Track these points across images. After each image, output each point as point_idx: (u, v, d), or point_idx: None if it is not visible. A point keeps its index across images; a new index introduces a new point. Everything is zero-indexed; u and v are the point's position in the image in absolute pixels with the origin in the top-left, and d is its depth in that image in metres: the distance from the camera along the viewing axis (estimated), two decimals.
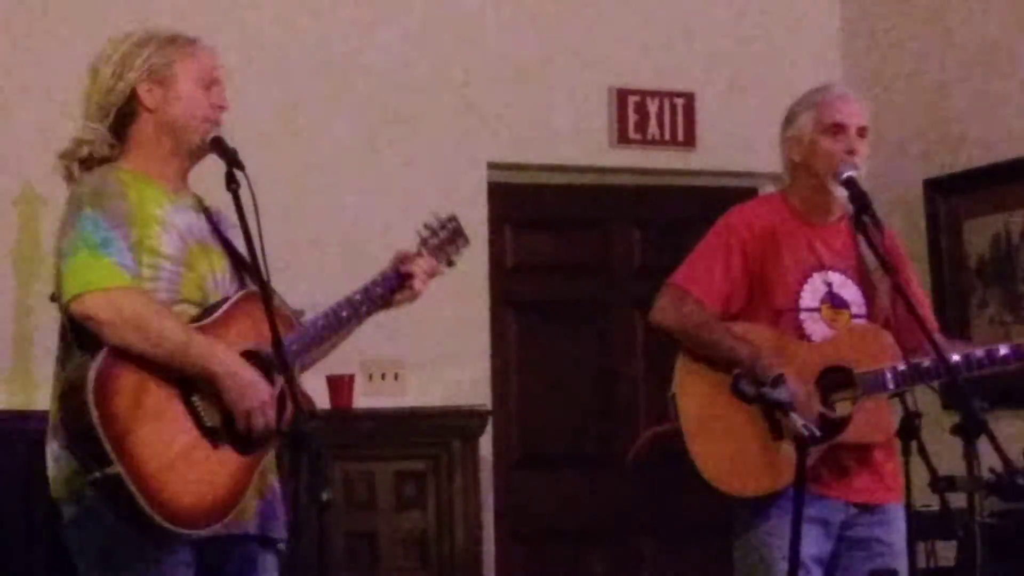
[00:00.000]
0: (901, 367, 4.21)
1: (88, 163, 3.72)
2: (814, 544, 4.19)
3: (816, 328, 4.31)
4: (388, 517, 6.05)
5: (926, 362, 4.18)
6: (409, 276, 3.89)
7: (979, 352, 4.25)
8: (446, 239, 4.04)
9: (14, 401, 5.76)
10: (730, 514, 4.34)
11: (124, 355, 3.48)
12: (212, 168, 3.73)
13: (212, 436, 3.53)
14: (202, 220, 3.74)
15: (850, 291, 4.36)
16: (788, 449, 4.03)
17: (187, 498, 3.47)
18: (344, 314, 3.80)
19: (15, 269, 5.89)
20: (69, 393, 3.47)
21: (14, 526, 5.39)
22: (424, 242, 3.99)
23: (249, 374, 3.54)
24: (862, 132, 4.36)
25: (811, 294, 4.33)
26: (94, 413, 3.39)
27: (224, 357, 3.54)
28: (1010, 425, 5.53)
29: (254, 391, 3.53)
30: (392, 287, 3.90)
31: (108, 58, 3.74)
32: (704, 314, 4.30)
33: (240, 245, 3.65)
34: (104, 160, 3.71)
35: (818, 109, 4.37)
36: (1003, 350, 4.25)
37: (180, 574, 3.55)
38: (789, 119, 4.44)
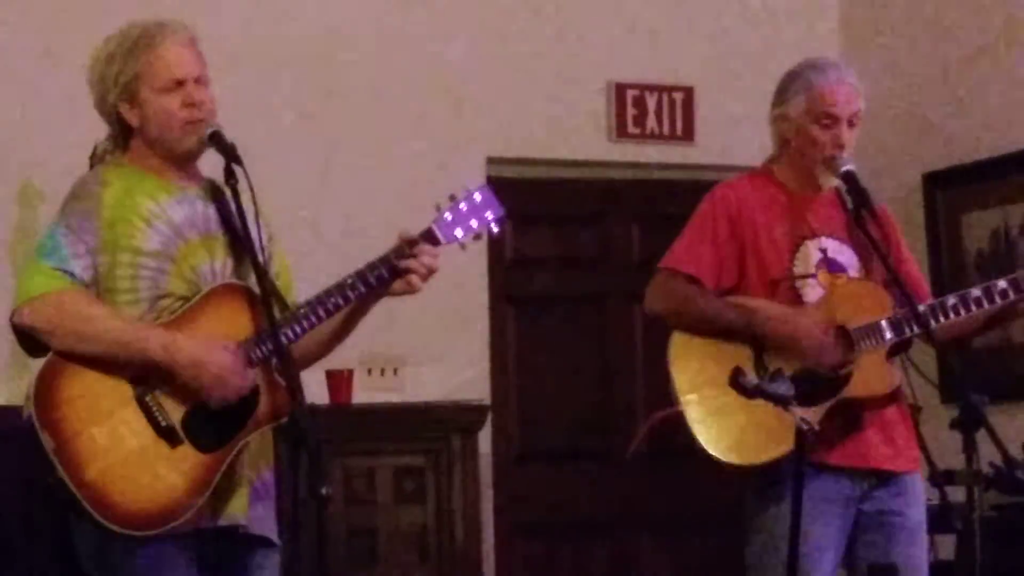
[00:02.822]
0: (896, 315, 4.18)
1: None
2: (830, 523, 4.18)
3: (814, 294, 4.28)
4: (387, 512, 6.05)
5: (921, 307, 4.14)
6: (407, 271, 3.69)
7: (975, 291, 4.21)
8: (468, 210, 3.74)
9: (13, 398, 5.76)
10: (737, 499, 4.31)
11: (71, 361, 3.50)
12: (212, 161, 3.73)
13: (169, 436, 3.52)
14: (210, 209, 3.71)
15: (846, 255, 4.33)
16: (789, 415, 4.02)
17: (137, 499, 3.47)
18: (332, 300, 3.64)
19: (14, 266, 5.88)
20: (25, 404, 3.53)
21: (14, 523, 5.38)
22: (438, 217, 3.74)
23: (193, 348, 3.50)
24: (853, 121, 4.31)
25: (804, 261, 4.30)
26: (36, 422, 3.47)
27: (165, 341, 3.51)
28: (1009, 419, 5.54)
29: (207, 361, 3.49)
30: (391, 274, 3.70)
31: (90, 77, 3.73)
32: (692, 289, 4.28)
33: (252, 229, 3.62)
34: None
35: (812, 95, 4.30)
36: (1001, 284, 4.20)
37: (178, 569, 3.55)
38: (781, 94, 4.38)
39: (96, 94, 3.72)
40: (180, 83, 3.65)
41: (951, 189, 6.64)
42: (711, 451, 4.19)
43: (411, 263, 3.69)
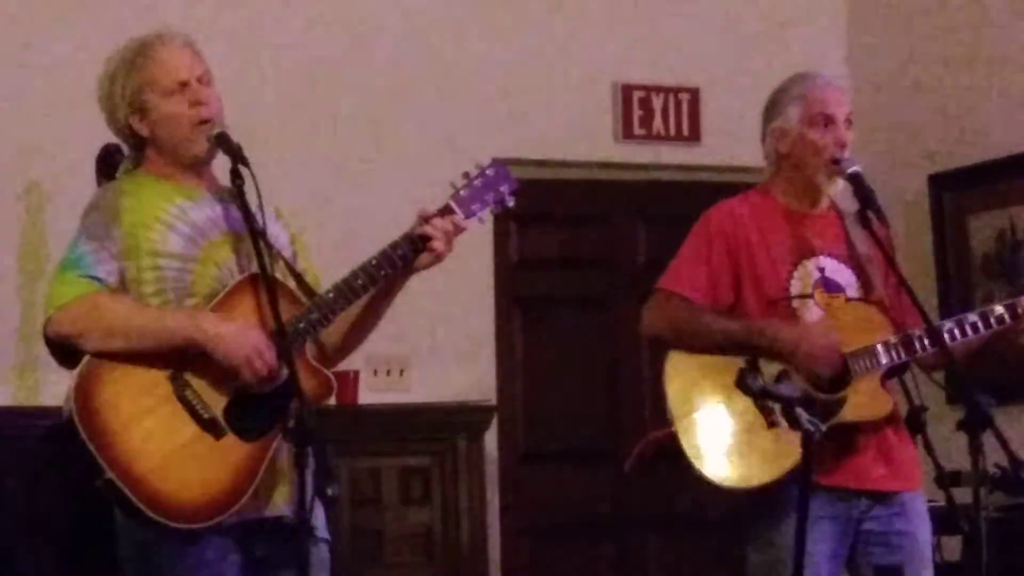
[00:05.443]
0: (892, 340, 4.16)
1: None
2: (828, 539, 4.14)
3: (810, 315, 4.24)
4: (394, 513, 6.05)
5: (917, 331, 4.13)
6: (427, 238, 3.70)
7: (972, 316, 4.19)
8: (483, 185, 3.81)
9: (20, 397, 5.77)
10: (736, 511, 4.30)
11: (108, 361, 3.51)
12: (218, 162, 3.74)
13: (212, 428, 3.53)
14: (231, 209, 3.70)
15: (844, 275, 4.29)
16: (783, 435, 4.00)
17: (187, 492, 3.48)
18: (359, 281, 3.66)
19: (20, 265, 5.89)
20: (64, 404, 3.51)
21: (21, 523, 5.39)
22: (455, 194, 3.80)
23: (229, 328, 3.52)
24: (848, 121, 4.31)
25: (801, 281, 4.26)
26: (79, 425, 3.45)
27: (202, 323, 3.53)
28: (1016, 420, 5.53)
29: (240, 341, 3.50)
30: (413, 249, 3.71)
31: (100, 99, 3.75)
32: (691, 307, 4.25)
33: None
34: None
35: (805, 100, 4.30)
36: (998, 309, 4.19)
37: (223, 566, 3.56)
38: (772, 109, 4.38)
39: (107, 114, 3.74)
40: (184, 84, 3.68)
41: (957, 191, 6.65)
42: (707, 475, 4.18)
43: (427, 229, 3.71)
